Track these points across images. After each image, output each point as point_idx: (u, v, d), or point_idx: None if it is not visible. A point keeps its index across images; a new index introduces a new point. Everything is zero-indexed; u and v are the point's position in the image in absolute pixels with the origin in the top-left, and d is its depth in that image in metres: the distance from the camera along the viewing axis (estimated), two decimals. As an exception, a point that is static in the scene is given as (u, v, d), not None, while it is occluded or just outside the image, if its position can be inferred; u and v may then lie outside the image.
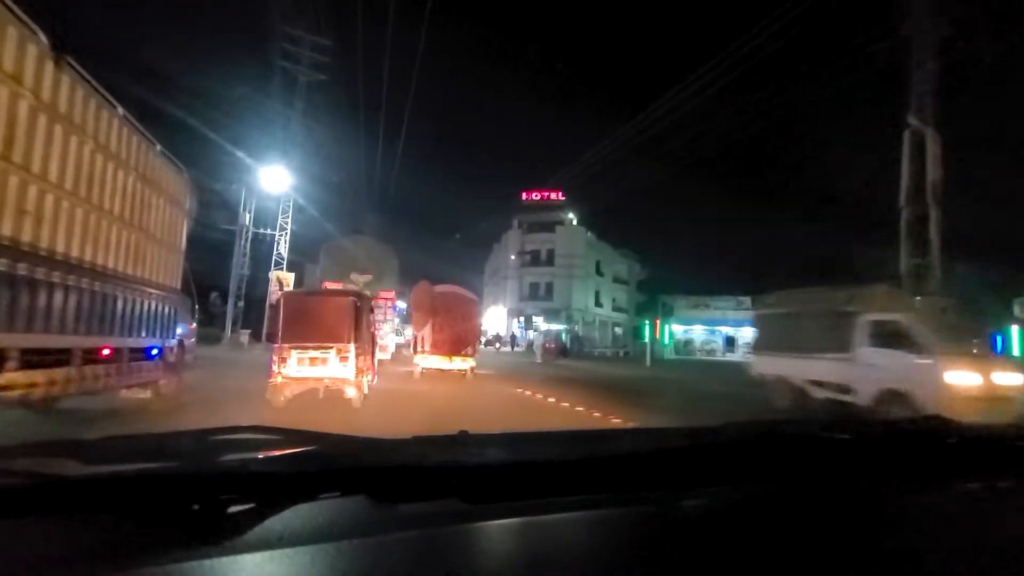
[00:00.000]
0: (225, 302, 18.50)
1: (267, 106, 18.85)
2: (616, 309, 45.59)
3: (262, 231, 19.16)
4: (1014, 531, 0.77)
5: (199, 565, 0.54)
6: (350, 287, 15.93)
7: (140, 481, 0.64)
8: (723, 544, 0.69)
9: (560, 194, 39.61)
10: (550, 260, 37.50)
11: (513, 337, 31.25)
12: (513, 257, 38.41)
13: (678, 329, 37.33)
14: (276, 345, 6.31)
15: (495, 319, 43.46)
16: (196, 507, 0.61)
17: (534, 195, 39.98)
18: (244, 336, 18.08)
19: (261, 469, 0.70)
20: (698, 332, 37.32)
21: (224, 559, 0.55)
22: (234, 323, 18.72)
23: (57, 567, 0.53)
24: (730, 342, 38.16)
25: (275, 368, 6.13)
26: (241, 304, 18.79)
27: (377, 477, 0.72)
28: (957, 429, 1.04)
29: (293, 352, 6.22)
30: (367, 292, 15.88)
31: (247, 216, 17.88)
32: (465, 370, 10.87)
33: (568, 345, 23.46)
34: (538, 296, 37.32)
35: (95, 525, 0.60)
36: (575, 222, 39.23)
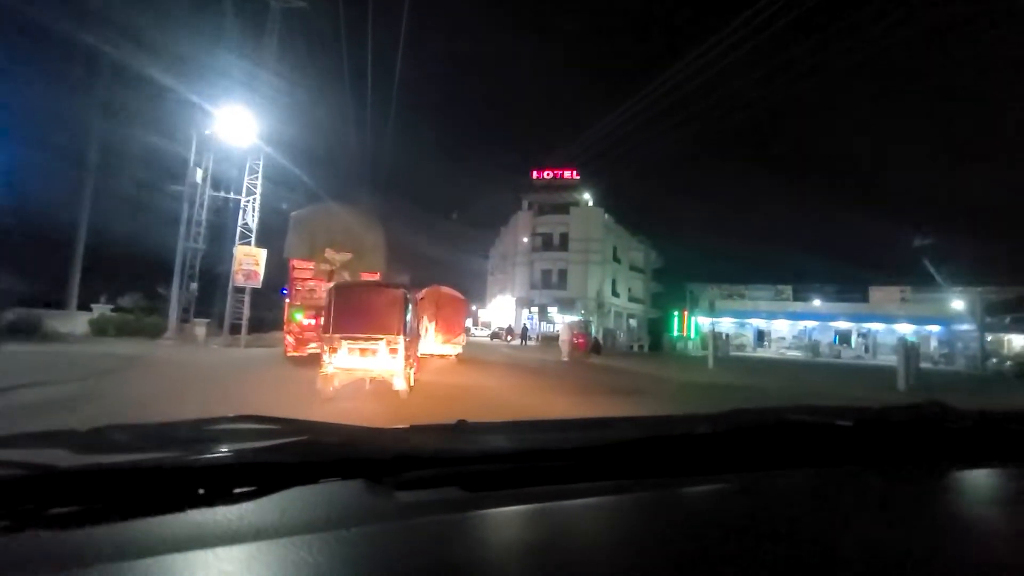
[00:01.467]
0: (186, 286, 14.85)
1: (230, 37, 15.06)
2: (632, 299, 42.13)
3: (224, 195, 15.42)
4: (1009, 516, 0.77)
5: (196, 555, 0.53)
6: (323, 267, 12.29)
7: (135, 471, 0.65)
8: (724, 530, 0.69)
9: (575, 172, 35.84)
10: (563, 244, 33.77)
11: (525, 330, 27.62)
12: (526, 239, 34.61)
13: (703, 322, 33.78)
14: (326, 335, 6.46)
15: (502, 309, 39.90)
16: (199, 493, 0.63)
17: (546, 173, 36.18)
18: (199, 328, 14.48)
19: (257, 459, 0.71)
20: (726, 325, 33.75)
21: (220, 549, 0.55)
22: (185, 310, 15.03)
23: (54, 559, 0.52)
24: (760, 336, 34.72)
25: (325, 359, 6.30)
26: (195, 287, 15.07)
27: (375, 465, 0.74)
28: (956, 414, 1.07)
29: (344, 343, 6.34)
30: (345, 274, 12.13)
31: (198, 173, 14.03)
32: (451, 355, 12.87)
33: (600, 339, 19.83)
34: (550, 284, 33.67)
35: (91, 516, 0.59)
36: (590, 203, 35.44)
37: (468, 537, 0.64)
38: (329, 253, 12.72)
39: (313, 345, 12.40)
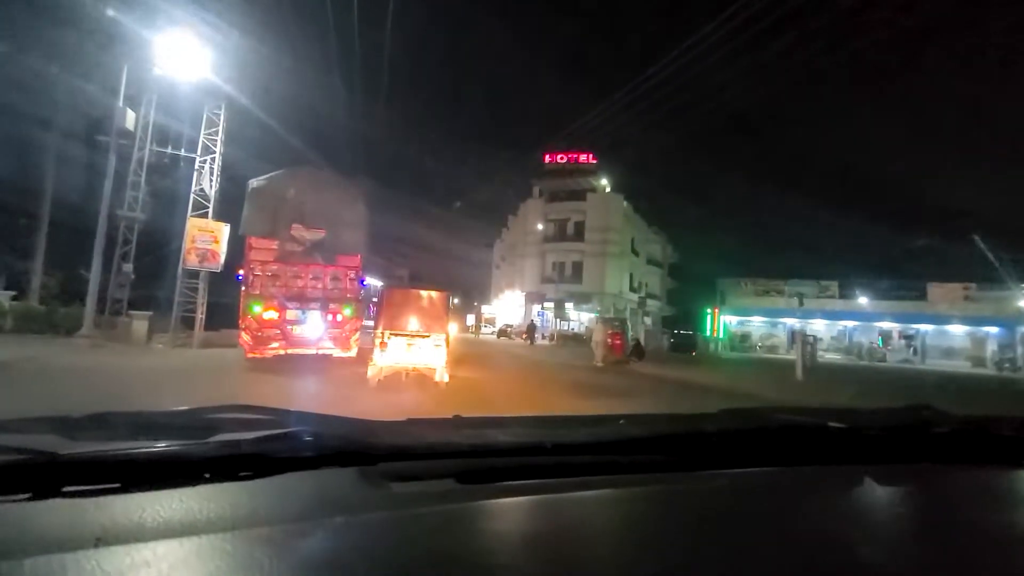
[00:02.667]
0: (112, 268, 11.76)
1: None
2: (649, 295, 39.08)
3: (172, 152, 12.31)
4: (996, 518, 0.77)
5: (192, 541, 0.54)
6: (290, 247, 9.32)
7: (130, 460, 0.66)
8: (715, 524, 0.70)
9: (591, 156, 32.67)
10: (579, 234, 30.65)
11: (532, 327, 24.52)
12: (540, 226, 31.42)
13: (730, 320, 30.64)
14: (377, 331, 7.40)
15: (509, 304, 36.88)
16: (197, 479, 0.65)
17: (559, 158, 33.00)
18: (139, 322, 11.26)
19: (254, 449, 0.71)
20: (755, 324, 30.59)
21: (216, 535, 0.55)
22: (118, 300, 11.93)
23: (52, 544, 0.52)
24: (793, 337, 31.55)
25: (376, 353, 7.09)
26: (129, 268, 11.94)
27: (371, 457, 0.75)
28: (947, 419, 1.09)
29: (393, 338, 7.18)
30: (318, 256, 9.70)
31: (129, 117, 10.80)
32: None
33: (641, 342, 16.64)
34: (564, 277, 30.57)
35: (87, 501, 0.60)
36: (607, 189, 32.29)
37: (461, 528, 0.65)
38: (297, 230, 9.74)
39: (275, 345, 9.25)
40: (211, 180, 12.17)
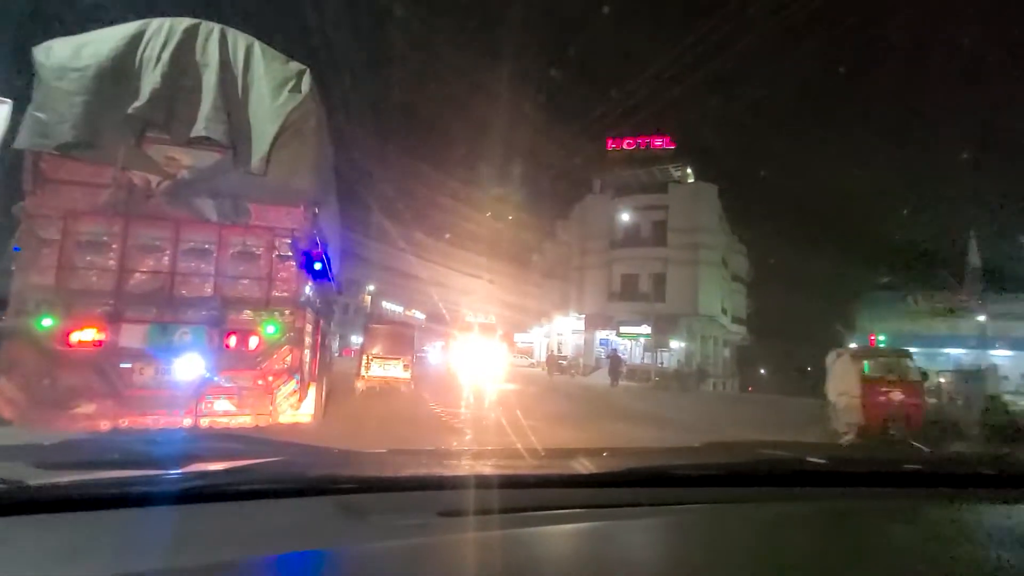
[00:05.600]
0: None
1: None
2: (735, 319, 32.07)
3: None
4: (969, 551, 0.80)
5: (163, 572, 0.54)
6: (141, 182, 4.07)
7: (100, 489, 0.67)
8: (697, 557, 0.72)
9: (668, 140, 26.89)
10: (659, 237, 24.46)
11: (615, 360, 18.53)
12: (605, 229, 25.55)
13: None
14: (364, 354, 10.70)
15: (555, 330, 30.99)
16: (176, 506, 0.66)
17: (626, 143, 27.42)
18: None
19: (228, 479, 0.74)
20: (927, 357, 22.78)
21: (188, 567, 0.55)
22: None
23: (23, 568, 0.53)
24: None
25: (361, 370, 10.39)
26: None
27: (350, 489, 0.78)
28: (921, 456, 1.26)
29: (374, 360, 10.47)
30: (204, 206, 4.79)
31: None
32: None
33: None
34: (636, 294, 24.36)
35: (59, 529, 0.60)
36: (691, 179, 26.23)
37: (438, 564, 0.65)
38: (157, 145, 4.56)
39: (85, 409, 3.69)
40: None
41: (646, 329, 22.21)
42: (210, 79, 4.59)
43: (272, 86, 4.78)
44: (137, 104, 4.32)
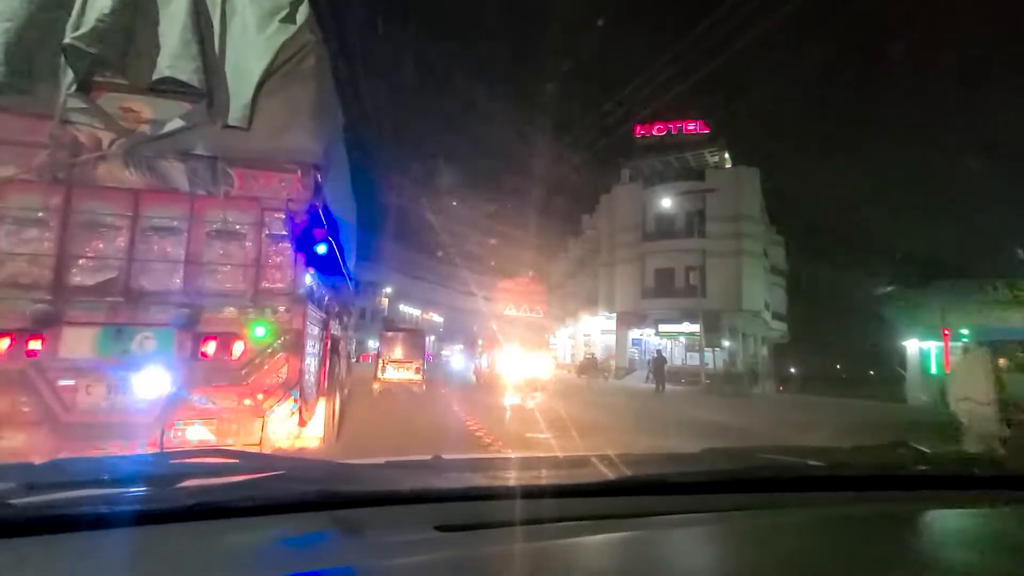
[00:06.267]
0: None
1: None
2: (775, 316, 30.23)
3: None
4: (964, 552, 0.80)
5: None
6: (88, 140, 2.98)
7: (89, 508, 0.65)
8: (702, 566, 0.73)
9: (701, 124, 25.35)
10: (696, 228, 22.86)
11: (659, 361, 17.04)
12: (636, 220, 24.11)
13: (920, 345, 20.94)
14: (380, 359, 12.29)
15: (582, 331, 29.68)
16: (171, 524, 0.65)
17: (656, 129, 25.96)
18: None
19: (223, 495, 0.72)
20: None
21: None
22: None
23: None
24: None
25: (378, 372, 11.94)
26: None
27: (346, 503, 0.77)
28: (923, 458, 1.18)
29: (389, 364, 11.99)
30: (171, 169, 3.65)
31: None
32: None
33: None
34: (672, 289, 22.83)
35: (53, 551, 0.60)
36: (728, 164, 24.59)
37: None
38: (115, 99, 3.49)
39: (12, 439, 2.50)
40: None
41: (691, 327, 20.67)
42: (179, 5, 3.52)
43: (258, 15, 3.68)
44: (80, 33, 3.26)
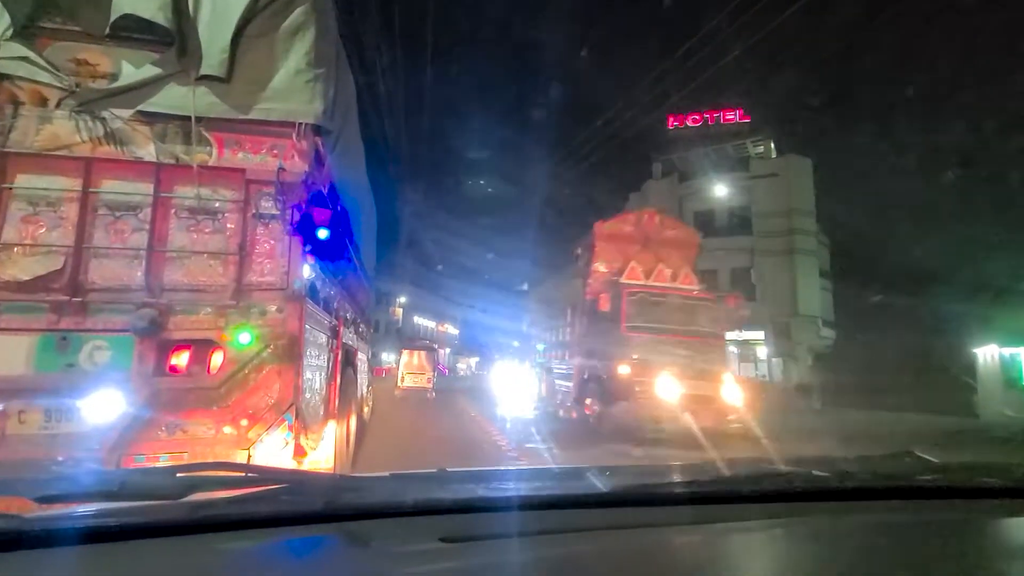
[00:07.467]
0: None
1: None
2: (825, 322, 28.22)
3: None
4: (974, 559, 0.80)
5: None
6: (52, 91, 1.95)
7: (98, 522, 0.67)
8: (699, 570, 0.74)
9: (741, 113, 24.02)
10: (740, 226, 21.44)
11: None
12: (694, 209, 22.72)
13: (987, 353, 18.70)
14: (398, 372, 16.49)
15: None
16: (177, 538, 0.66)
17: (691, 120, 24.76)
18: None
19: (230, 509, 0.74)
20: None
21: None
22: None
23: None
24: None
25: (398, 380, 15.96)
26: None
27: (352, 516, 0.79)
28: (931, 467, 1.21)
29: (407, 375, 15.79)
30: (135, 130, 2.99)
31: None
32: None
33: None
34: (716, 292, 21.34)
35: (58, 564, 0.60)
36: (774, 154, 23.12)
37: None
38: (65, 49, 2.81)
39: None
40: None
41: (755, 335, 19.18)
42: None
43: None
44: None
